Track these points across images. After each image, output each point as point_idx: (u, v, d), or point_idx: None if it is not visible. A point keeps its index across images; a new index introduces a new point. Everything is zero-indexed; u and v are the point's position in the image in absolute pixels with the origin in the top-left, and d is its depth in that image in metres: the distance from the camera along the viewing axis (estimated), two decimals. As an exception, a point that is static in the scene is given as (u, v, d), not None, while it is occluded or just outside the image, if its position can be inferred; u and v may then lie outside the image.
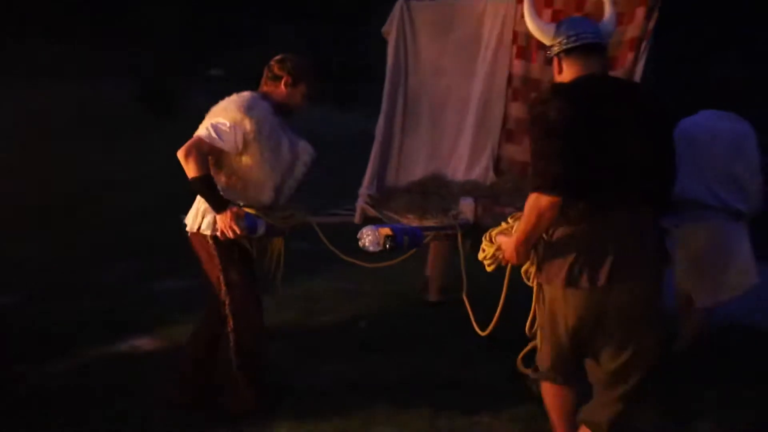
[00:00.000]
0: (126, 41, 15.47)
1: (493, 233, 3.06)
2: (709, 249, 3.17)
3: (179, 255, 6.02)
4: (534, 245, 2.87)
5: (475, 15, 4.20)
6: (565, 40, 2.83)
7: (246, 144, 3.52)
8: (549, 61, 3.00)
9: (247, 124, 3.50)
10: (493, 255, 3.05)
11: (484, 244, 3.11)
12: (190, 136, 3.53)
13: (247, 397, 3.80)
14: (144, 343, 4.99)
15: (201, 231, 3.65)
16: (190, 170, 3.42)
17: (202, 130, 3.52)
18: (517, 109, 4.11)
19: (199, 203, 3.68)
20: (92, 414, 3.98)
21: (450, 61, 4.29)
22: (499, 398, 4.17)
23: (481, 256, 3.13)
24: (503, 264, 3.02)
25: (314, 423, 3.95)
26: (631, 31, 3.36)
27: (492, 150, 4.10)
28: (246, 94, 3.62)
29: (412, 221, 3.76)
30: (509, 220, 3.05)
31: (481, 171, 4.13)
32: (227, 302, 3.67)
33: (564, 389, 3.13)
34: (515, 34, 4.01)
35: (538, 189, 2.70)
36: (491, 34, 4.10)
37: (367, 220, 4.04)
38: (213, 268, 3.68)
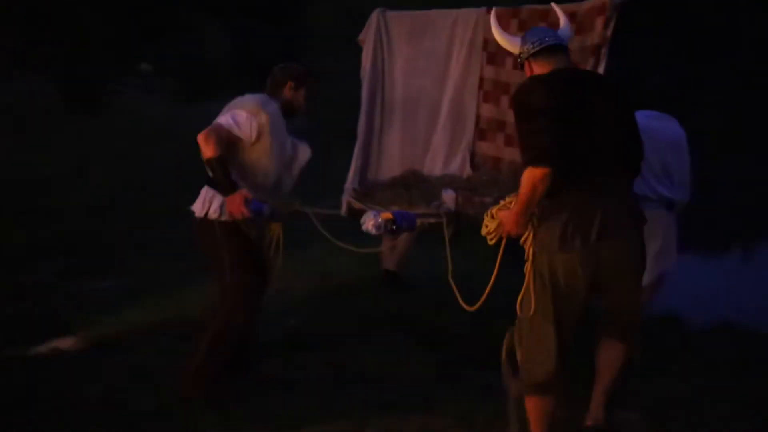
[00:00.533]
0: (51, 35, 15.05)
1: (494, 210, 3.30)
2: (648, 237, 3.39)
3: (106, 254, 5.89)
4: (531, 216, 3.15)
5: (448, 24, 4.52)
6: (530, 46, 3.20)
7: (259, 135, 3.86)
8: (519, 66, 3.35)
9: (263, 117, 3.85)
10: (496, 229, 3.27)
11: (486, 221, 3.33)
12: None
13: (191, 378, 3.97)
14: (65, 343, 4.81)
15: (208, 217, 3.89)
16: (209, 150, 3.70)
17: (223, 118, 3.83)
18: (488, 110, 4.43)
19: (207, 192, 3.92)
20: (15, 414, 3.89)
21: (424, 66, 4.58)
22: (430, 393, 4.18)
23: (484, 231, 3.35)
24: (504, 236, 3.24)
25: (241, 424, 3.87)
26: (591, 38, 3.77)
27: (467, 147, 4.43)
28: (259, 94, 3.99)
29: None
30: (507, 198, 3.28)
31: (457, 166, 4.46)
32: (229, 286, 3.93)
33: (553, 401, 3.30)
34: (485, 41, 4.32)
35: (531, 162, 3.00)
36: (463, 42, 4.43)
37: (352, 212, 4.33)
38: (217, 251, 3.93)
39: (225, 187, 3.76)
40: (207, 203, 3.93)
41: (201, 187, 4.01)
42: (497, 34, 3.40)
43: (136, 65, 16.61)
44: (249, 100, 3.95)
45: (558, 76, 3.14)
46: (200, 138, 3.75)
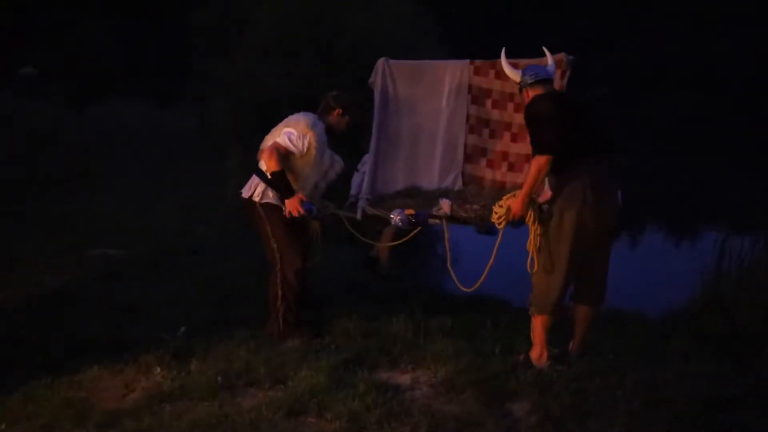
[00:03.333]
0: None
1: (502, 201, 4.39)
2: None
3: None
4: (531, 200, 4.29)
5: (439, 72, 5.60)
6: (529, 79, 4.45)
7: (307, 150, 4.84)
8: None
9: (310, 137, 4.83)
10: (504, 214, 4.34)
11: (496, 208, 4.43)
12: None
13: (280, 330, 4.96)
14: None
15: (252, 198, 4.87)
16: (272, 165, 4.74)
17: (280, 138, 4.81)
18: (473, 140, 5.56)
19: (254, 179, 4.93)
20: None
21: (421, 104, 5.62)
22: (323, 397, 4.12)
23: (494, 217, 4.44)
24: (510, 219, 4.33)
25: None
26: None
27: (458, 167, 5.56)
28: (310, 114, 4.95)
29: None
30: (505, 196, 4.42)
31: (450, 181, 5.56)
32: (275, 249, 4.89)
33: (554, 320, 4.43)
34: (470, 86, 5.49)
35: (538, 152, 4.16)
36: (451, 86, 5.52)
37: (366, 216, 5.36)
38: (262, 226, 4.92)
39: (285, 192, 4.79)
40: (252, 188, 4.93)
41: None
42: (507, 69, 4.64)
43: (19, 68, 15.89)
44: (301, 119, 4.90)
45: (551, 95, 4.39)
46: (264, 156, 4.80)
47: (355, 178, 6.26)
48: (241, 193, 5.01)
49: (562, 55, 5.00)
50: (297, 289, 4.95)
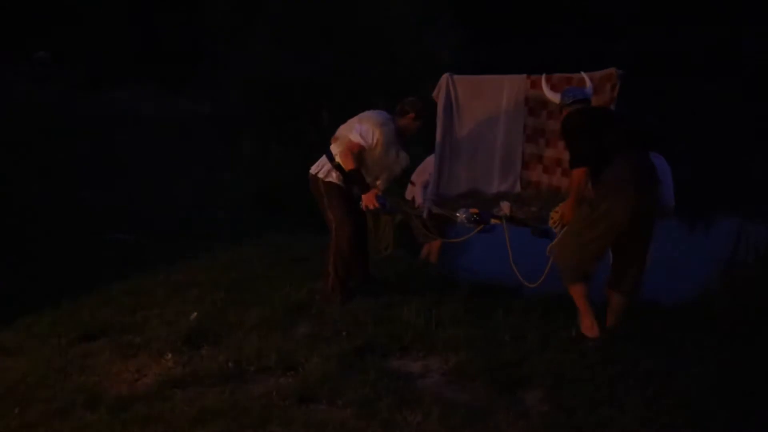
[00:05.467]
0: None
1: (557, 208, 4.78)
2: None
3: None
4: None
5: (498, 86, 5.97)
6: (567, 100, 4.86)
7: (375, 145, 5.28)
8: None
9: (378, 134, 5.28)
10: (559, 219, 4.74)
11: (552, 214, 4.82)
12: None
13: (327, 291, 5.40)
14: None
15: (318, 175, 5.38)
16: (349, 165, 5.23)
17: (353, 136, 5.27)
18: (530, 148, 5.89)
19: (324, 160, 5.42)
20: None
21: (481, 115, 6.00)
22: (334, 384, 4.11)
23: (550, 222, 4.84)
24: (563, 222, 4.71)
25: (139, 428, 3.76)
26: (604, 98, 5.20)
27: (516, 172, 5.96)
28: (385, 114, 5.41)
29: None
30: (556, 208, 4.81)
31: (509, 185, 5.96)
32: (332, 220, 5.36)
33: (588, 286, 4.69)
34: (526, 99, 5.82)
35: (573, 165, 4.57)
36: (509, 99, 5.88)
37: (431, 215, 5.85)
38: (322, 200, 5.41)
39: (362, 187, 5.29)
40: (320, 167, 5.42)
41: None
42: (547, 92, 5.10)
43: (33, 53, 15.89)
44: (373, 117, 5.36)
45: (583, 110, 4.78)
46: (341, 157, 5.28)
47: (408, 189, 6.74)
48: (310, 170, 5.51)
49: (612, 70, 5.25)
50: (347, 258, 5.38)
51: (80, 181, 9.08)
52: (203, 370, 4.34)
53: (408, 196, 6.71)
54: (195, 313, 5.03)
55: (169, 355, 4.54)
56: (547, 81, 5.31)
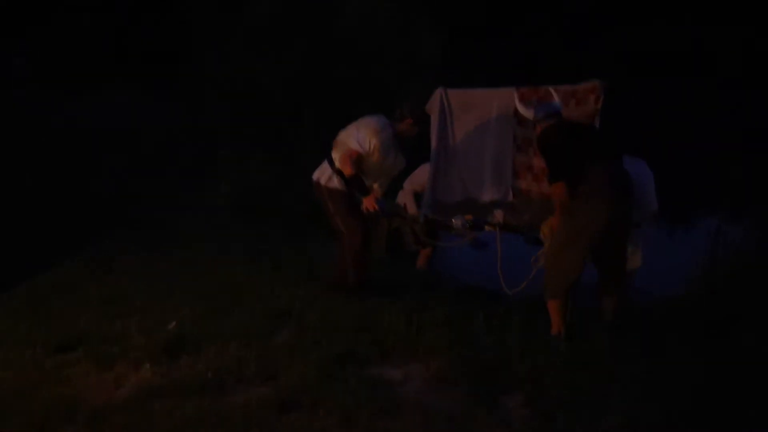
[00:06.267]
0: None
1: (546, 223, 5.11)
2: None
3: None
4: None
5: (488, 99, 6.19)
6: (539, 115, 5.02)
7: (372, 151, 5.47)
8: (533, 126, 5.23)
9: (375, 141, 5.46)
10: (549, 233, 5.03)
11: (543, 229, 5.17)
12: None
13: (348, 280, 5.59)
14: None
15: (320, 182, 5.57)
16: (347, 170, 5.44)
17: (352, 143, 5.47)
18: (520, 157, 6.09)
19: (325, 165, 5.60)
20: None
21: (474, 126, 6.24)
22: (314, 392, 4.08)
23: (542, 236, 5.17)
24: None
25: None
26: (587, 109, 5.45)
27: (507, 181, 6.15)
28: (383, 120, 5.59)
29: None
30: (544, 222, 5.16)
31: (501, 194, 6.14)
32: (339, 224, 5.56)
33: (568, 302, 4.85)
34: (516, 111, 5.76)
35: (552, 180, 4.76)
36: (500, 111, 6.10)
37: (428, 221, 6.17)
38: (328, 207, 5.60)
39: (362, 191, 5.51)
40: (322, 173, 5.60)
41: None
42: (520, 107, 5.26)
43: (7, 59, 15.68)
44: (372, 123, 5.54)
45: (555, 126, 4.94)
46: (340, 163, 5.46)
47: (400, 195, 6.93)
48: (313, 177, 5.70)
49: (596, 83, 5.45)
50: (362, 260, 5.59)
51: (56, 190, 8.98)
52: (182, 380, 4.30)
53: (399, 200, 6.81)
54: (174, 322, 4.99)
55: (148, 365, 4.50)
56: (521, 98, 5.51)
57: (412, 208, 6.39)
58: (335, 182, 5.54)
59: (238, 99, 11.46)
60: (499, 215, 5.83)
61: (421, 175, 6.52)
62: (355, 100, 10.96)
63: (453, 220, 5.78)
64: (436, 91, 6.37)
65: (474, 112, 6.25)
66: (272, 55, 11.81)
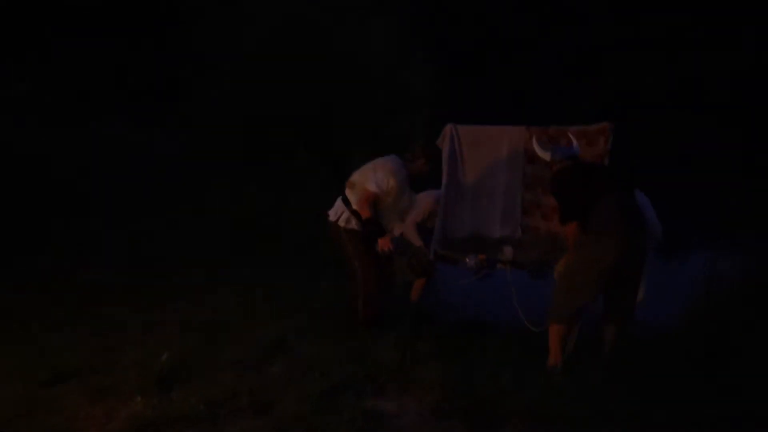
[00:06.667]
0: None
1: (561, 262, 5.11)
2: None
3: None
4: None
5: (500, 136, 6.31)
6: (557, 158, 5.21)
7: (390, 191, 5.58)
8: (547, 165, 5.42)
9: (393, 182, 5.58)
10: (562, 270, 5.05)
11: (556, 268, 5.18)
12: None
13: (358, 318, 5.60)
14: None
15: (339, 223, 5.62)
16: (365, 213, 5.53)
17: (370, 185, 5.55)
18: (529, 195, 6.21)
19: (340, 204, 5.68)
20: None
21: (484, 163, 6.34)
22: (308, 425, 4.06)
23: (555, 275, 5.19)
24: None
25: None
26: (598, 149, 5.63)
27: (516, 218, 6.26)
28: (398, 161, 5.69)
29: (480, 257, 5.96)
30: (558, 261, 5.20)
31: (510, 231, 6.25)
32: (356, 266, 5.62)
33: (566, 329, 4.91)
34: (525, 149, 6.13)
35: (564, 220, 4.93)
36: (510, 148, 6.23)
37: (438, 256, 6.19)
38: (343, 246, 5.66)
39: (378, 233, 5.54)
40: (338, 214, 5.65)
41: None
42: (538, 150, 5.39)
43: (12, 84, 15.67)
44: (388, 165, 5.64)
45: (570, 168, 5.12)
46: (358, 205, 5.56)
47: (401, 227, 6.71)
48: (328, 215, 5.76)
49: (606, 124, 5.66)
50: (374, 293, 5.61)
51: (50, 219, 8.95)
52: (174, 413, 4.25)
53: (396, 232, 6.67)
54: (166, 354, 4.95)
55: (139, 398, 4.45)
56: (537, 139, 5.64)
57: (416, 240, 6.41)
58: (353, 224, 5.61)
59: (234, 132, 11.49)
60: (508, 252, 5.95)
61: (422, 204, 6.52)
62: (348, 131, 11.02)
63: (467, 259, 5.90)
64: (447, 127, 6.46)
65: (484, 149, 6.35)
66: (265, 87, 11.86)
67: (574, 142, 5.39)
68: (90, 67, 15.88)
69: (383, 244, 5.54)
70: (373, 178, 5.57)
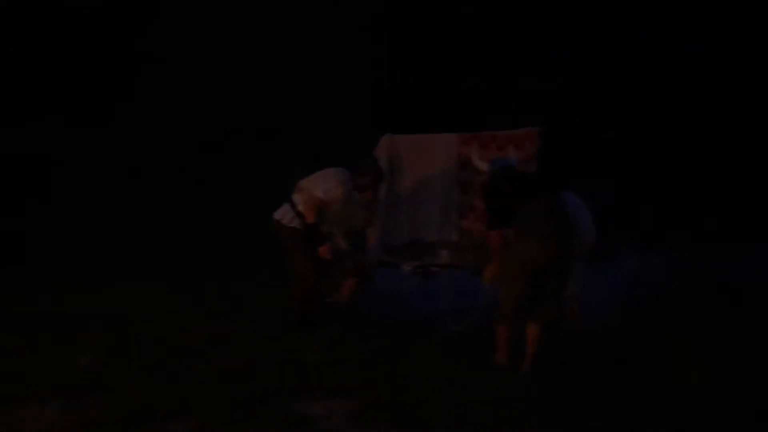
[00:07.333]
0: None
1: (488, 268, 5.39)
2: None
3: None
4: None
5: (433, 143, 6.69)
6: (495, 167, 5.39)
7: (336, 200, 5.81)
8: (477, 169, 5.88)
9: (340, 192, 5.82)
10: (490, 277, 5.35)
11: (485, 275, 5.48)
12: None
13: (294, 316, 5.77)
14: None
15: (282, 222, 5.85)
16: (310, 218, 5.75)
17: (319, 192, 5.77)
18: (463, 198, 6.46)
19: (287, 206, 5.90)
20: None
21: (420, 170, 6.69)
22: (232, 430, 3.95)
23: (485, 279, 5.50)
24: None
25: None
26: (527, 153, 5.92)
27: (453, 222, 6.51)
28: (346, 174, 5.91)
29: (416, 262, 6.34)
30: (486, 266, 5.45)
31: (448, 233, 6.49)
32: (296, 264, 5.82)
33: (511, 330, 5.07)
34: (458, 155, 6.47)
35: (489, 228, 5.16)
36: (444, 155, 6.55)
37: (380, 261, 6.47)
38: (287, 245, 5.87)
39: (319, 241, 5.78)
40: (284, 214, 5.90)
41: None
42: (475, 160, 5.86)
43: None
44: (337, 175, 5.87)
45: (501, 175, 5.31)
46: (304, 209, 5.78)
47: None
48: (274, 216, 5.95)
49: (534, 129, 6.00)
50: (311, 293, 5.81)
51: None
52: (93, 420, 4.07)
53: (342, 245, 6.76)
54: (85, 358, 4.78)
55: (56, 404, 4.26)
56: (478, 147, 6.09)
57: (343, 243, 6.46)
58: (296, 223, 5.83)
59: (184, 142, 11.30)
60: (445, 256, 6.27)
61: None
62: (282, 137, 10.94)
63: (404, 265, 6.22)
64: (383, 138, 6.80)
65: (420, 157, 6.68)
66: (217, 99, 11.71)
67: (512, 153, 5.68)
68: (29, 64, 15.33)
69: (323, 252, 5.76)
70: (321, 184, 5.80)
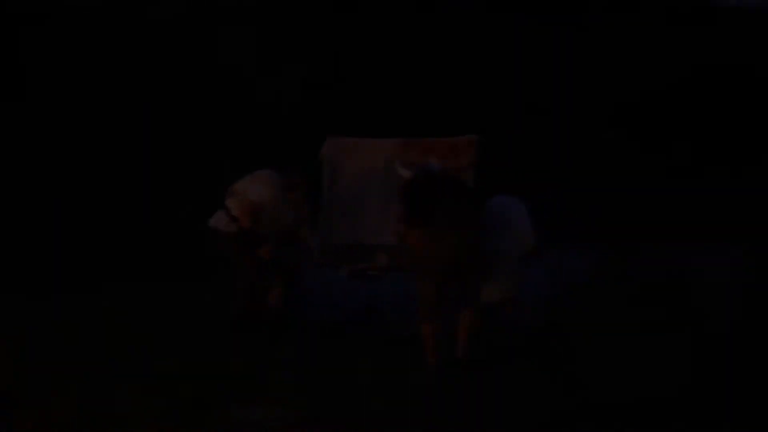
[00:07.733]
0: None
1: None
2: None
3: None
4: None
5: (375, 147, 6.75)
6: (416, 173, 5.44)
7: (268, 202, 5.88)
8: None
9: (269, 193, 5.91)
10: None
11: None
12: None
13: (236, 318, 5.87)
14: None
15: (219, 228, 5.90)
16: (245, 223, 5.81)
17: (252, 196, 5.85)
18: None
19: (222, 214, 5.90)
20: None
21: (362, 173, 6.69)
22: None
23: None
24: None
25: None
26: (465, 160, 6.20)
27: (392, 225, 6.21)
28: (274, 173, 6.03)
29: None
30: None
31: (387, 237, 6.34)
32: (237, 265, 5.90)
33: (435, 327, 5.09)
34: (401, 159, 6.27)
35: (408, 227, 5.16)
36: (386, 159, 6.55)
37: (319, 262, 6.51)
38: (228, 248, 5.91)
39: (256, 242, 5.86)
40: (219, 220, 5.92)
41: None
42: (399, 168, 5.71)
43: None
44: (267, 177, 6.01)
45: (420, 177, 5.39)
46: (238, 213, 5.84)
47: None
48: (210, 223, 5.99)
49: (473, 137, 6.28)
50: (249, 293, 5.92)
51: None
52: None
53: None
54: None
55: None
56: (404, 152, 6.27)
57: (305, 235, 6.61)
58: (233, 228, 5.87)
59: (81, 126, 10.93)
60: (383, 258, 6.34)
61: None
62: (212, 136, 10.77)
63: (342, 268, 6.30)
64: (327, 139, 6.84)
65: (361, 160, 6.73)
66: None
67: (435, 161, 5.77)
68: None
69: (263, 253, 5.87)
70: (252, 188, 5.89)
